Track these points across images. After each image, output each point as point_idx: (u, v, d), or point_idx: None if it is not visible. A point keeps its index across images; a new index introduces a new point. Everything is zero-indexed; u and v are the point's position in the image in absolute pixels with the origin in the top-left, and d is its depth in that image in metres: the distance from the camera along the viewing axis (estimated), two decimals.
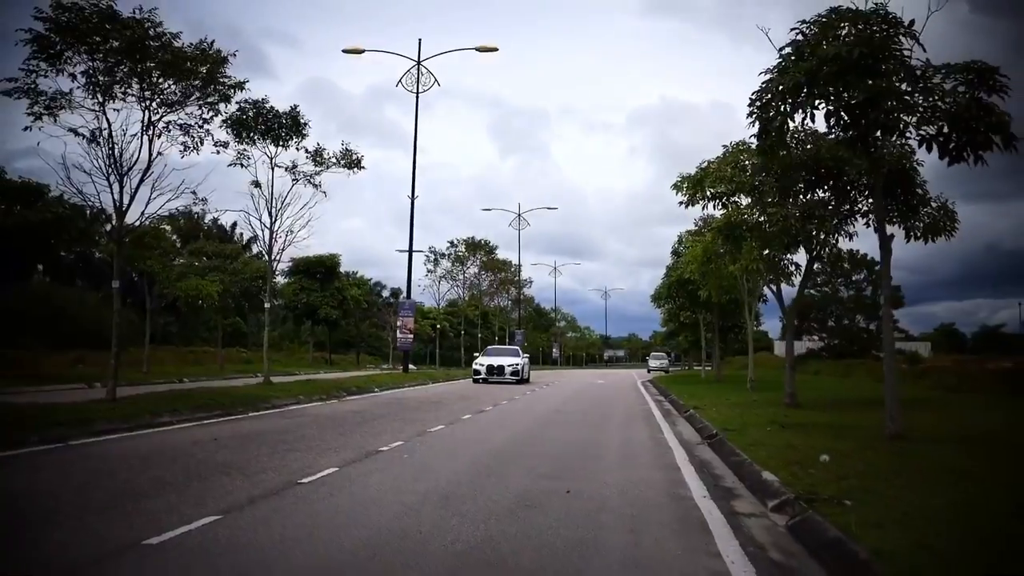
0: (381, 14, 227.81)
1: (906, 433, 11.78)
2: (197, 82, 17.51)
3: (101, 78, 16.58)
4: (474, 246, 72.72)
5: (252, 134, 22.72)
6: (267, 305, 27.40)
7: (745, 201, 18.75)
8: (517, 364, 36.20)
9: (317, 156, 24.23)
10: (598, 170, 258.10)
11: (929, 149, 10.88)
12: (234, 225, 64.97)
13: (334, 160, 24.57)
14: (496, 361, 36.25)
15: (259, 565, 5.43)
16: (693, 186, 18.66)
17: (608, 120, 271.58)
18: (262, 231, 24.58)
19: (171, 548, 5.73)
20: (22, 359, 30.01)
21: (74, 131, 16.51)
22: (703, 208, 19.19)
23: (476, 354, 42.13)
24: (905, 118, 10.81)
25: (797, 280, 20.21)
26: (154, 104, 17.22)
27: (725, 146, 18.36)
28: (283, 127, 22.99)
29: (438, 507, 7.41)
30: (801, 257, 19.40)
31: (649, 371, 66.92)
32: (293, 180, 24.17)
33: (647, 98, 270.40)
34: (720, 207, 18.87)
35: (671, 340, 71.05)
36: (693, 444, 13.42)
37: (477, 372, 35.95)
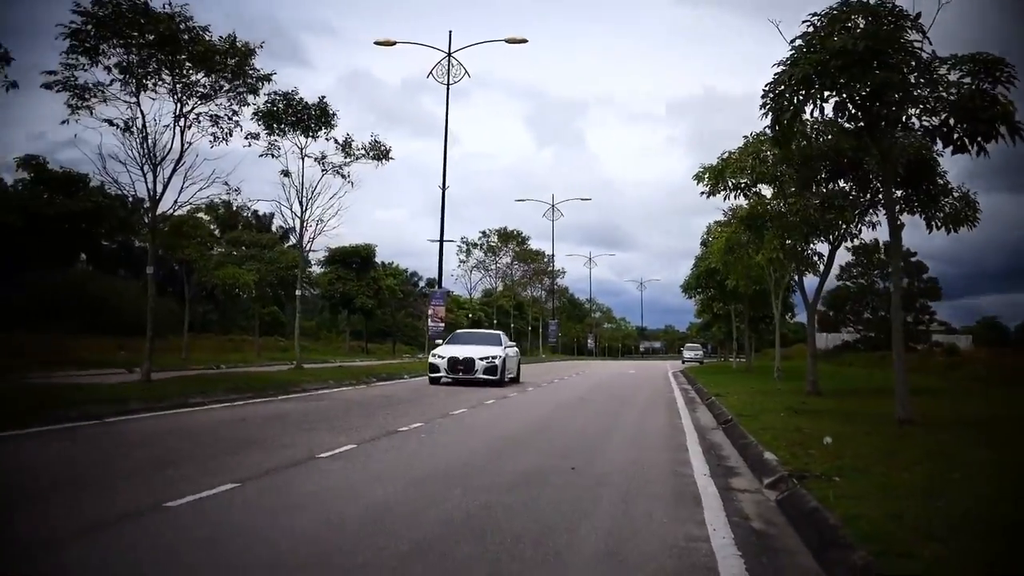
0: (418, 3, 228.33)
1: (916, 419, 11.95)
2: (227, 74, 18.08)
3: (136, 70, 17.20)
4: (506, 236, 73.06)
5: (282, 125, 23.28)
6: (298, 292, 28.08)
7: (767, 191, 18.97)
8: (495, 357, 24.33)
9: (346, 147, 24.80)
10: (636, 160, 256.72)
11: (934, 140, 11.06)
12: (271, 216, 65.92)
13: (362, 151, 25.13)
14: (463, 352, 24.46)
15: (267, 525, 5.83)
16: (714, 177, 18.86)
17: (647, 110, 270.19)
18: (293, 220, 25.26)
19: (188, 510, 6.17)
20: (63, 344, 30.88)
21: (109, 122, 17.20)
22: (725, 199, 19.38)
23: (438, 341, 29.12)
24: (911, 110, 10.98)
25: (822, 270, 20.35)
26: (185, 95, 17.84)
27: (746, 137, 18.54)
28: (312, 118, 23.53)
29: (444, 480, 7.79)
30: (825, 248, 19.52)
31: (684, 362, 67.23)
32: (323, 171, 24.77)
33: (688, 88, 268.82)
34: (741, 197, 19.10)
35: (706, 331, 71.24)
36: (707, 429, 13.70)
37: (434, 369, 24.32)
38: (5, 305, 33.81)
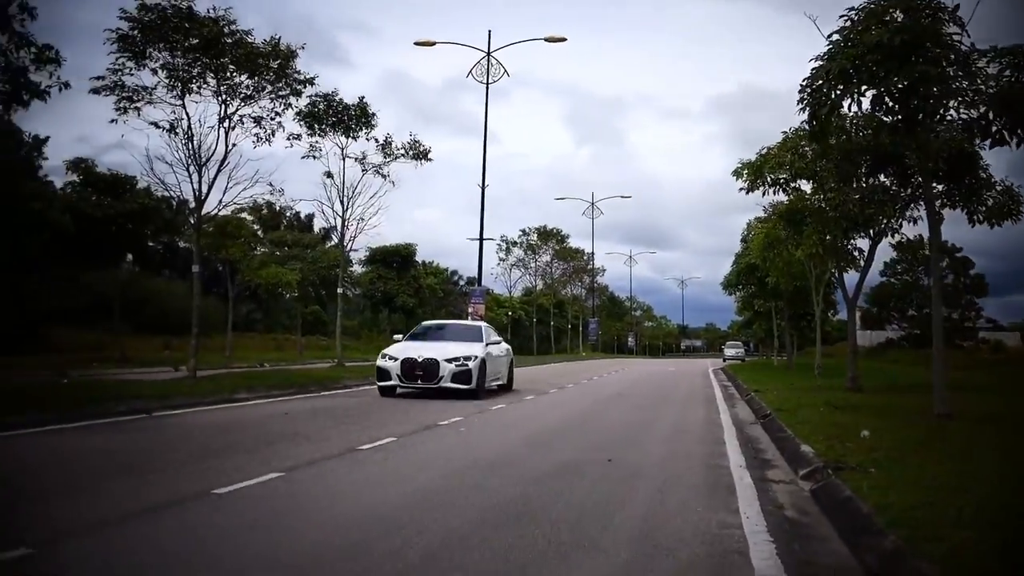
0: (454, 2, 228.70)
1: (956, 414, 11.91)
2: (269, 76, 18.45)
3: (181, 73, 17.62)
4: (546, 235, 73.19)
5: (323, 126, 23.70)
6: (339, 290, 28.55)
7: (807, 187, 18.92)
8: (468, 358, 17.39)
9: (386, 147, 25.18)
10: (675, 158, 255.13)
11: (972, 134, 11.01)
12: (311, 216, 66.62)
13: (402, 151, 25.49)
14: (423, 351, 17.68)
15: (312, 512, 6.04)
16: (753, 172, 18.84)
17: (685, 107, 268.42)
18: (334, 219, 25.73)
19: (236, 497, 6.39)
20: (112, 343, 31.61)
21: (155, 124, 17.67)
22: (764, 194, 19.35)
23: (396, 336, 21.62)
24: (949, 103, 10.95)
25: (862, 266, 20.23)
26: (229, 97, 18.26)
27: (784, 132, 18.49)
28: (352, 118, 23.91)
29: (483, 471, 7.97)
30: (865, 243, 19.41)
31: (725, 360, 66.91)
32: (363, 171, 25.19)
33: (726, 84, 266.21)
34: (780, 192, 19.08)
35: (747, 329, 70.87)
36: (745, 423, 13.75)
37: (383, 375, 17.52)
38: (56, 304, 34.64)
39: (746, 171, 19.23)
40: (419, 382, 17.09)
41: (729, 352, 72.51)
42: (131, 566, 4.59)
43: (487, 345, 18.53)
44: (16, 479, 7.08)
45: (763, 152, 18.99)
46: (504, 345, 20.67)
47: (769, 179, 18.87)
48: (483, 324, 20.97)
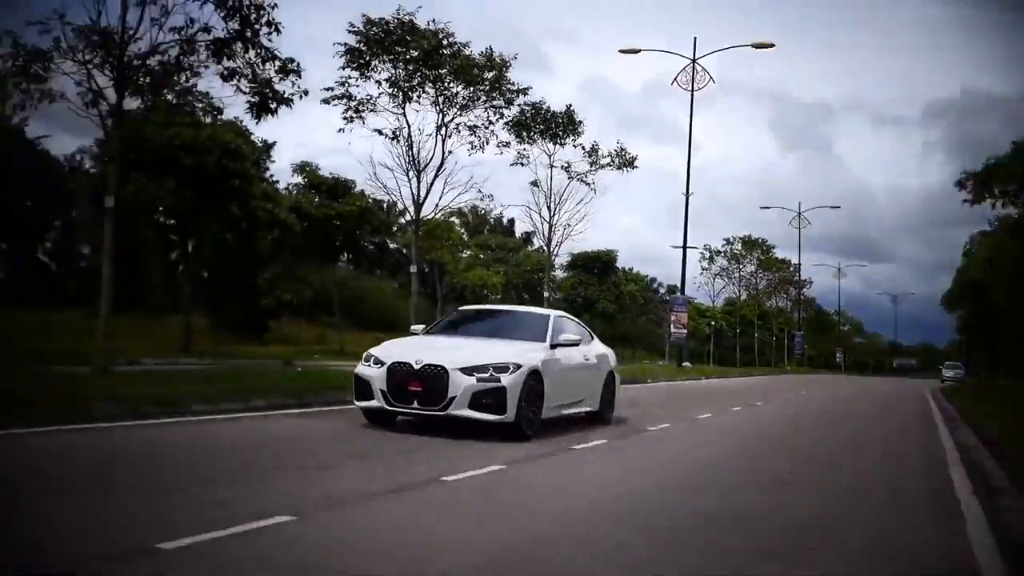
0: (656, 7, 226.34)
1: None
2: (484, 86, 19.26)
3: (402, 84, 18.72)
4: (751, 244, 71.38)
5: (532, 134, 24.42)
6: (546, 294, 29.14)
7: None
8: (503, 369, 9.42)
9: (592, 153, 25.65)
10: (888, 167, 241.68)
11: None
12: (512, 221, 68.05)
13: (608, 159, 25.89)
14: (427, 353, 9.71)
15: (536, 501, 6.36)
16: (979, 183, 17.91)
17: (900, 114, 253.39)
18: (540, 225, 26.44)
19: (464, 484, 6.80)
20: (330, 336, 33.67)
21: (379, 131, 18.90)
22: (992, 206, 18.35)
23: (415, 327, 11.86)
24: None
25: None
26: (446, 107, 19.30)
27: (1015, 143, 17.44)
28: (560, 125, 24.52)
29: (697, 477, 8.10)
30: None
31: (943, 380, 63.16)
32: (569, 178, 25.78)
33: (945, 89, 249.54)
34: (1009, 205, 18.03)
35: (968, 349, 66.79)
36: (970, 448, 13.04)
37: (363, 390, 9.78)
38: (283, 298, 37.26)
39: (971, 182, 18.30)
40: (415, 404, 9.61)
41: (948, 372, 68.18)
42: (379, 539, 5.01)
43: (553, 347, 10.81)
44: (266, 456, 7.78)
45: (990, 162, 18.03)
46: (595, 347, 12.62)
47: (997, 191, 17.90)
48: (553, 313, 12.24)
